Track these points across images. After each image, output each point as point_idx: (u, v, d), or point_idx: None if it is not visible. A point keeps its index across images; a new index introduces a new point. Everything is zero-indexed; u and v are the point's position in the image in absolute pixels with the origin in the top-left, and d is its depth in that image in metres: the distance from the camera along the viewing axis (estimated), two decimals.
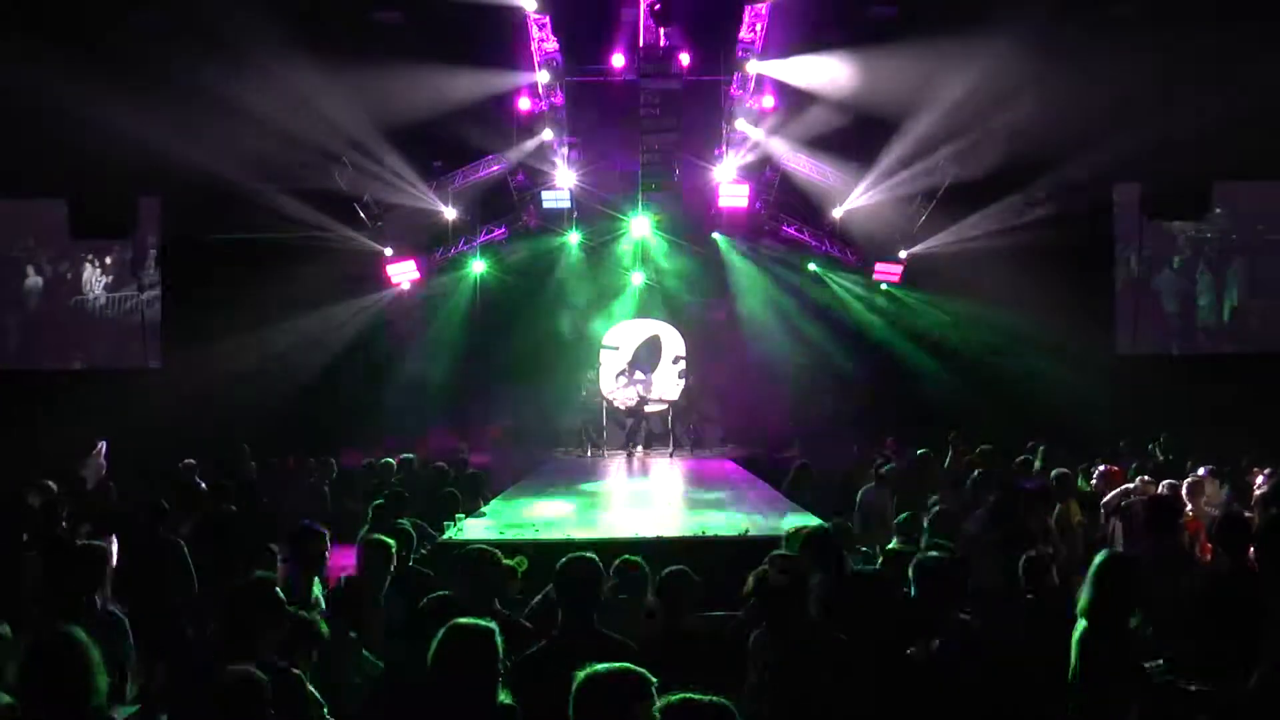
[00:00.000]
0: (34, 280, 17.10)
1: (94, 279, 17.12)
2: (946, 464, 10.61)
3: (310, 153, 14.09)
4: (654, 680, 2.51)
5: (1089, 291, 16.33)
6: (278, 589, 3.70)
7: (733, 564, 5.35)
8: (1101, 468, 8.79)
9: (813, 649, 3.70)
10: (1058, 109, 13.33)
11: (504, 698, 3.08)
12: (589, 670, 2.51)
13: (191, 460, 10.75)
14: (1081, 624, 3.92)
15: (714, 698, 2.41)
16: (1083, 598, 3.93)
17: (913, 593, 4.18)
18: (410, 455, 10.99)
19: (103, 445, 9.98)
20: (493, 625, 3.12)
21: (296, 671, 3.55)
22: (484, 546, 4.56)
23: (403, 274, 16.00)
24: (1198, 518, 7.24)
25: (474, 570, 4.34)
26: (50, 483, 8.38)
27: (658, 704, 2.40)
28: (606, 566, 4.42)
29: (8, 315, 17.22)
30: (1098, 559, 3.96)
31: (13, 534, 6.88)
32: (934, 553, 4.66)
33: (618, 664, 2.54)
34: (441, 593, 4.20)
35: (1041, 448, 10.83)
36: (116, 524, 7.79)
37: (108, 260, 17.08)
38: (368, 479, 10.09)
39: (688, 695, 2.40)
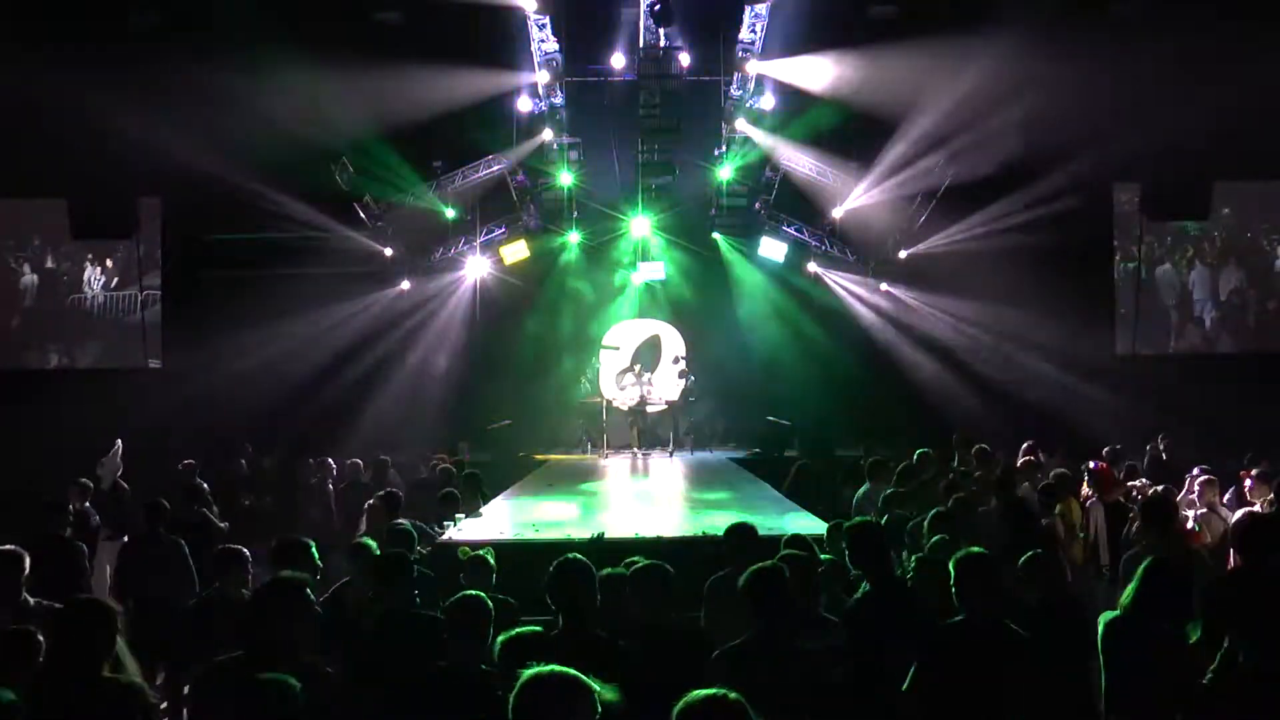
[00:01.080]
0: (29, 279, 17.05)
1: (93, 278, 17.09)
2: (954, 465, 10.52)
3: (310, 153, 14.09)
4: (593, 687, 2.51)
5: (1089, 291, 16.30)
6: (308, 589, 3.65)
7: None
8: (1091, 465, 8.75)
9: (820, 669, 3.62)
10: (1058, 109, 13.32)
11: None
12: (529, 673, 2.52)
13: (191, 460, 10.75)
14: (1109, 616, 3.91)
15: (724, 692, 2.41)
16: (1125, 595, 3.95)
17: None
18: (441, 461, 10.99)
19: (119, 445, 9.94)
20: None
21: (329, 670, 3.53)
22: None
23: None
24: (1210, 518, 7.10)
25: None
26: (87, 481, 8.42)
27: (678, 705, 2.39)
28: (607, 566, 4.42)
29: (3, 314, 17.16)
30: (1145, 562, 3.97)
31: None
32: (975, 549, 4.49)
33: (556, 668, 2.53)
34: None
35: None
36: (117, 524, 7.81)
37: (109, 262, 17.06)
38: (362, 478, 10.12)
39: (697, 693, 2.40)
